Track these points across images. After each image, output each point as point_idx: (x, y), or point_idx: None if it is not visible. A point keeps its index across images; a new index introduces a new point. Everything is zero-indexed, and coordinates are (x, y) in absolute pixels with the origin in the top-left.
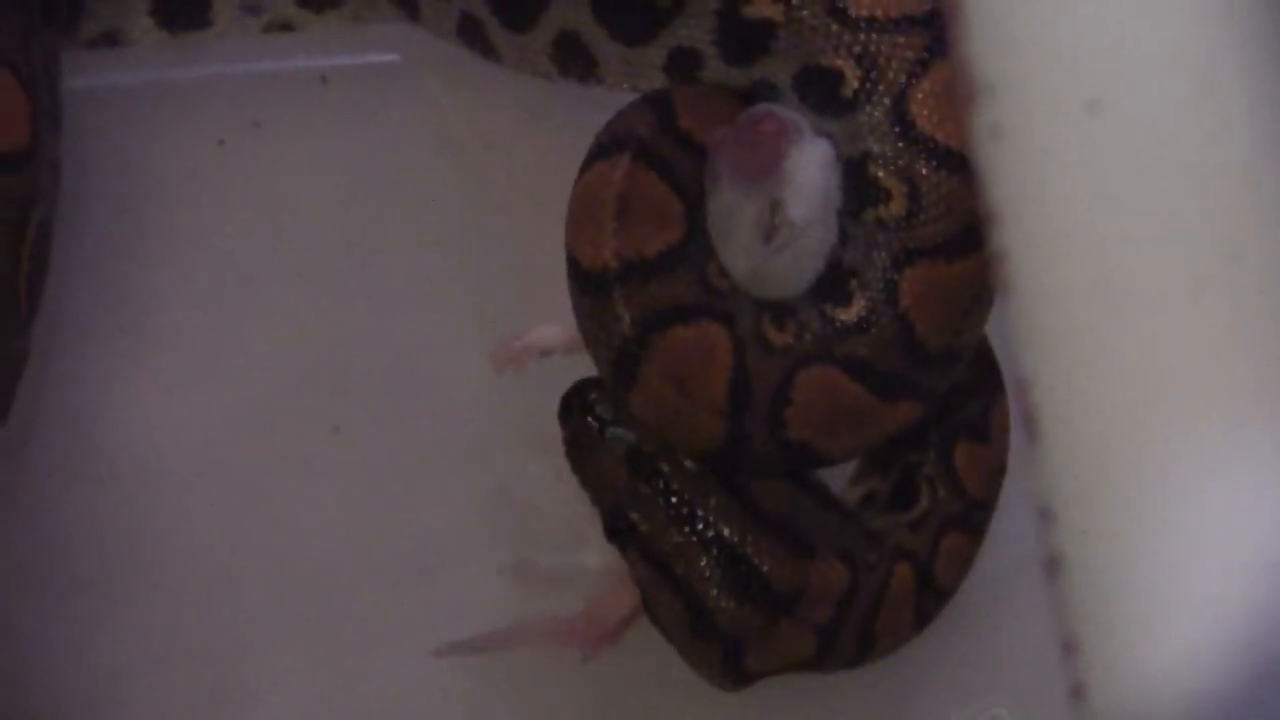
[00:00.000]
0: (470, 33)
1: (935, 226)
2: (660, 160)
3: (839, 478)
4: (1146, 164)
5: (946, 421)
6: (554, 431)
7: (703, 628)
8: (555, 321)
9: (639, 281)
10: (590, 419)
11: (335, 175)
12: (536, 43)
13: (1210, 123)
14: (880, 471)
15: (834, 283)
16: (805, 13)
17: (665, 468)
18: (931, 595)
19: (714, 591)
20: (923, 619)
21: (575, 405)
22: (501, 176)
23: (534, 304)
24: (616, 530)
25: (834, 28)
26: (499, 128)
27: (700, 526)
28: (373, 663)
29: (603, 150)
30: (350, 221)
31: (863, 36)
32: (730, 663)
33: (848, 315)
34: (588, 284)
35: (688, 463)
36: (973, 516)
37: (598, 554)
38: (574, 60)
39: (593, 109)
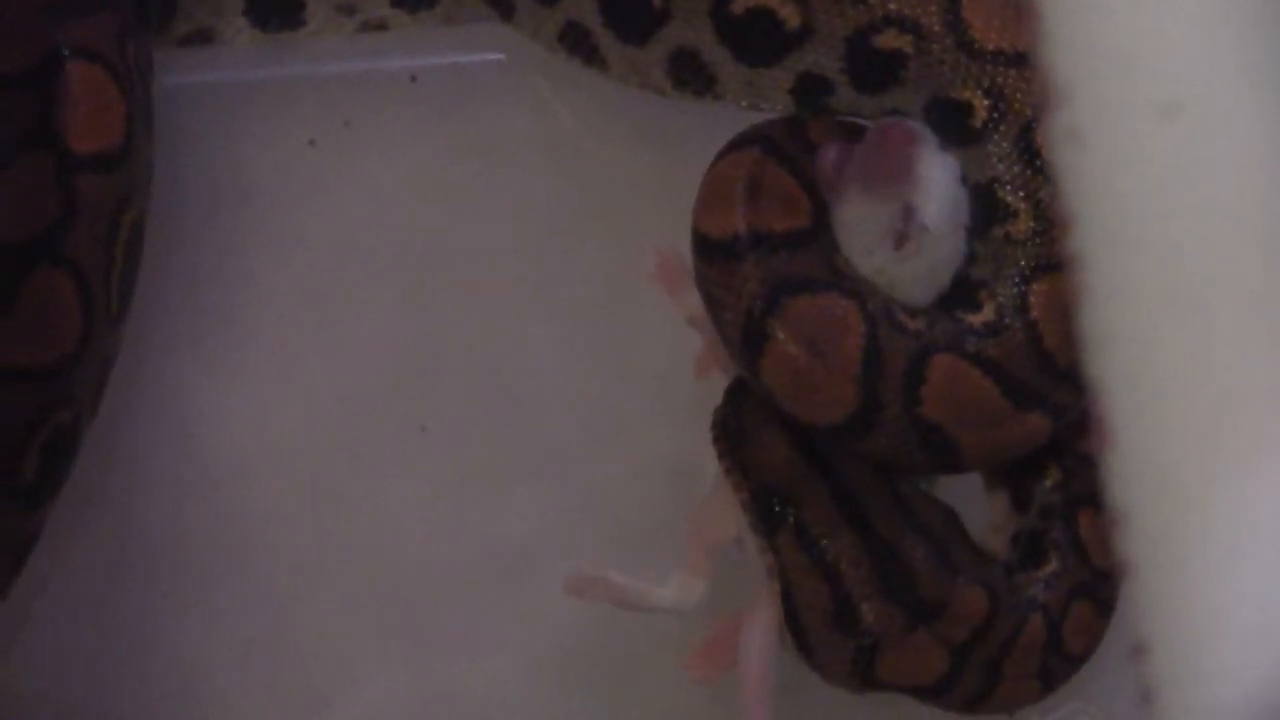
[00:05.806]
0: (574, 40)
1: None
2: (790, 159)
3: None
4: (1222, 169)
5: (1069, 488)
6: (636, 432)
7: (844, 620)
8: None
9: (768, 250)
10: (755, 403)
11: (425, 175)
12: (651, 56)
13: None
14: (1014, 510)
15: (963, 293)
16: (936, 45)
17: (832, 456)
18: (1059, 657)
19: (864, 583)
20: (1050, 679)
21: (741, 389)
22: (593, 179)
23: (623, 306)
24: (768, 512)
25: (964, 60)
26: (593, 130)
27: (861, 516)
28: (452, 663)
29: (734, 145)
30: (440, 221)
31: (989, 69)
32: (860, 663)
33: (978, 318)
34: (715, 254)
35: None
36: (1099, 587)
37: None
38: (691, 76)
39: (699, 118)
